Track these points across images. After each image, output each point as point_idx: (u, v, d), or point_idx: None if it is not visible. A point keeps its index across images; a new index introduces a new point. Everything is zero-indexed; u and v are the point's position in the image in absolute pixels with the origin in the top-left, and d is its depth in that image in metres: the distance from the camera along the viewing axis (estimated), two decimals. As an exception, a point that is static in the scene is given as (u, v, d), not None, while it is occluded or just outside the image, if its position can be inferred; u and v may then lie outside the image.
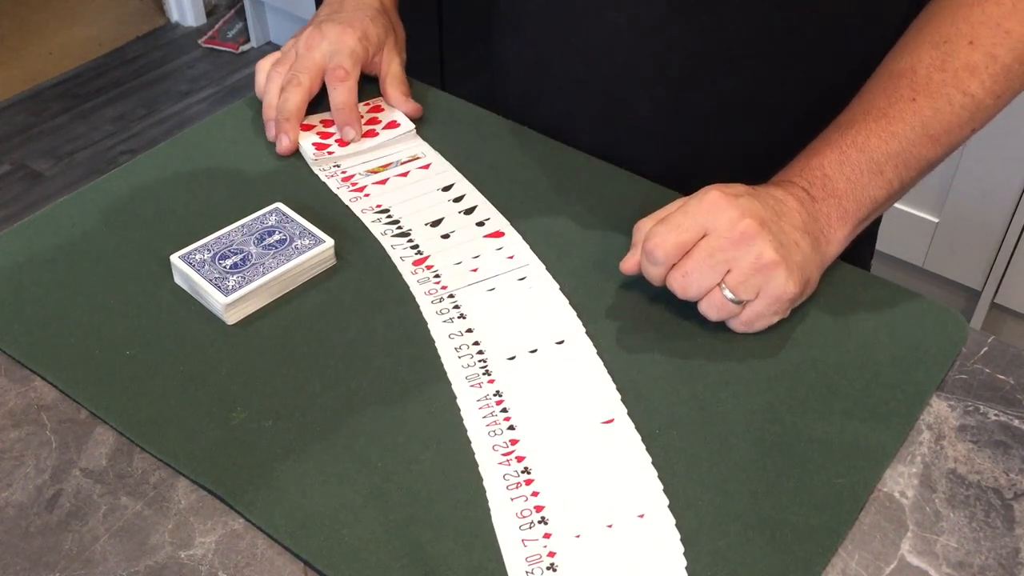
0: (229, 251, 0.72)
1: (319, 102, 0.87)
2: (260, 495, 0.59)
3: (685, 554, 0.56)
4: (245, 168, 0.83)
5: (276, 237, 0.73)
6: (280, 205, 0.76)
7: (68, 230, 0.77)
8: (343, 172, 0.83)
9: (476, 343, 0.68)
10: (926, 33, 0.71)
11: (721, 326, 0.68)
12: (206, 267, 0.71)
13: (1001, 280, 1.73)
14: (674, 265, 0.66)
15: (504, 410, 0.64)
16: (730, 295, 0.65)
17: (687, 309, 0.69)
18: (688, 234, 0.65)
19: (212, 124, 0.88)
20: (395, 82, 0.88)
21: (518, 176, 0.82)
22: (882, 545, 0.57)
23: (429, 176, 0.82)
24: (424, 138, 0.86)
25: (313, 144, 0.84)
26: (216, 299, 0.69)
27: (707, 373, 0.66)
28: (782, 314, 0.67)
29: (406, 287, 0.72)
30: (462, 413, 0.63)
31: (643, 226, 0.68)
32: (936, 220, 1.75)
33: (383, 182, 0.82)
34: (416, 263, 0.74)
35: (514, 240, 0.76)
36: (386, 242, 0.76)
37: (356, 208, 0.79)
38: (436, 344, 0.68)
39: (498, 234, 0.76)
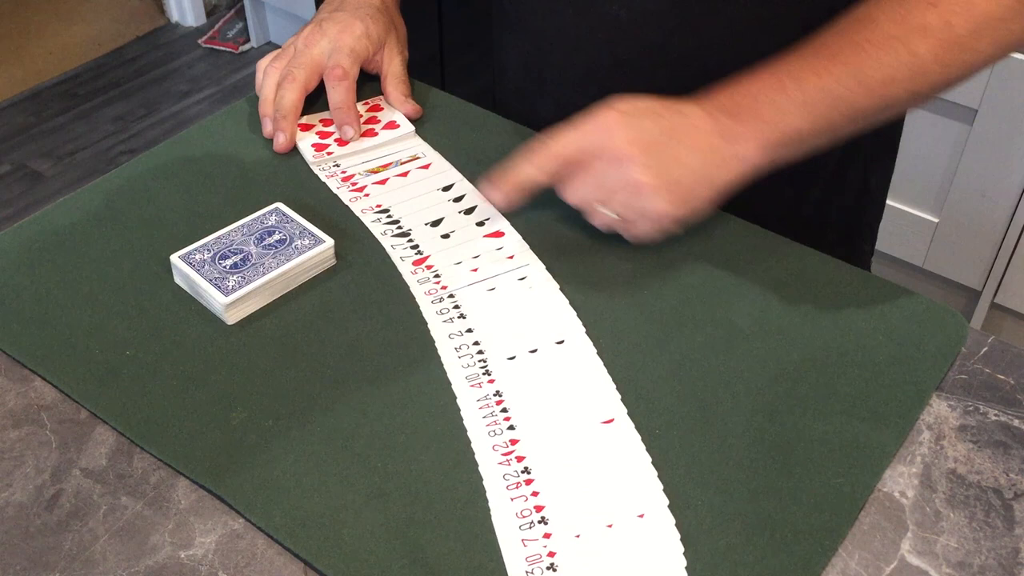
0: (229, 251, 0.72)
1: (319, 102, 0.87)
2: (260, 495, 0.59)
3: (685, 554, 0.56)
4: (245, 168, 0.83)
5: (276, 237, 0.73)
6: (280, 205, 0.76)
7: (68, 230, 0.77)
8: (343, 172, 0.83)
9: (476, 343, 0.68)
10: None
11: (721, 326, 0.68)
12: (206, 267, 0.71)
13: (1001, 280, 1.73)
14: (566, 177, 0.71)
15: (504, 410, 0.64)
16: (610, 212, 0.70)
17: (687, 310, 0.69)
18: (568, 149, 0.70)
19: (212, 124, 0.88)
20: (396, 81, 0.88)
21: (518, 176, 0.82)
22: (882, 545, 0.57)
23: (429, 176, 0.82)
24: (424, 138, 0.86)
25: (312, 144, 0.84)
26: (216, 299, 0.69)
27: (707, 373, 0.66)
28: (675, 230, 0.72)
29: (406, 287, 0.72)
30: (462, 413, 0.63)
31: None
32: (936, 220, 1.75)
33: (383, 182, 0.82)
34: (416, 263, 0.74)
35: (514, 240, 0.76)
36: (386, 242, 0.76)
37: (356, 208, 0.79)
38: (436, 344, 0.68)
39: (498, 234, 0.76)
